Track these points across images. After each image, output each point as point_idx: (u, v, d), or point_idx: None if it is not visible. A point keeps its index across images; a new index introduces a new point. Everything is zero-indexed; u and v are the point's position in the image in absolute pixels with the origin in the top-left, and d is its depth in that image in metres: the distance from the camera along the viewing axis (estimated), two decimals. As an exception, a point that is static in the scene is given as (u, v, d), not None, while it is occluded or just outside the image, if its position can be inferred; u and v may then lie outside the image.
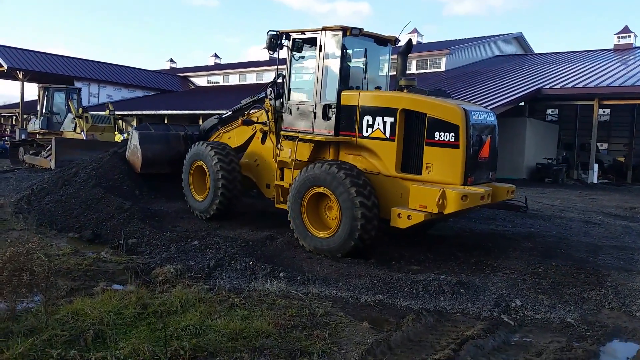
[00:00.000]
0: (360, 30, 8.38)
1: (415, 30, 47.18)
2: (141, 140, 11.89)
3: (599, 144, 34.58)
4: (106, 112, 19.83)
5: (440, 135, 7.25)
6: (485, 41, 42.28)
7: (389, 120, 7.74)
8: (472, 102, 23.39)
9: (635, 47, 37.05)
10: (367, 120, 7.99)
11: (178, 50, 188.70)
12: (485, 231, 10.34)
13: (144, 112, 39.06)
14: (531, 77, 29.16)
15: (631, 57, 33.75)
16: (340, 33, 8.21)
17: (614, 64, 31.14)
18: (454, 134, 7.13)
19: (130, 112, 37.57)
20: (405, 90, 8.14)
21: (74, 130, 19.15)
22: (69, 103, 19.73)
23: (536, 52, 45.35)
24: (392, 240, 8.90)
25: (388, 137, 7.75)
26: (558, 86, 25.02)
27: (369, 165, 8.05)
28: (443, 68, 37.65)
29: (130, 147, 12.29)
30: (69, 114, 19.68)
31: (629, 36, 37.31)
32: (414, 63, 38.51)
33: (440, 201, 6.83)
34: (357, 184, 7.39)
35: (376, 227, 7.56)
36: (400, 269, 7.36)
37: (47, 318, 4.55)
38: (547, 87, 25.15)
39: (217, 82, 53.05)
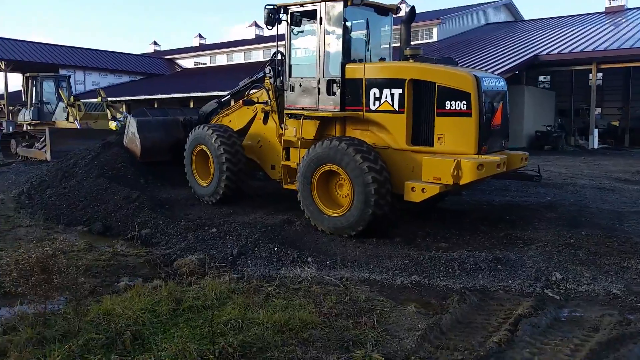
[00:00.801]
0: None
1: (403, 1, 46.54)
2: (139, 128, 11.50)
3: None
4: (98, 99, 19.27)
5: (451, 104, 6.99)
6: (475, 9, 41.77)
7: (397, 91, 7.46)
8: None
9: (627, 9, 36.71)
10: (374, 93, 7.71)
11: (161, 33, 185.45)
12: (503, 203, 10.13)
13: (133, 98, 38.37)
14: (525, 44, 28.80)
15: (623, 19, 33.46)
16: (341, 3, 7.89)
17: (607, 27, 30.82)
18: (465, 102, 6.88)
19: (118, 98, 36.78)
20: (411, 60, 7.83)
21: (67, 119, 18.60)
22: (60, 91, 19.13)
23: (526, 18, 44.91)
24: (411, 217, 8.69)
25: (397, 109, 7.49)
26: (555, 52, 24.73)
27: (378, 139, 7.80)
28: (435, 38, 37.19)
29: (128, 135, 11.92)
30: (60, 103, 19.10)
31: (620, -2, 36.91)
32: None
33: (455, 172, 6.61)
34: (368, 159, 7.17)
35: (389, 203, 7.32)
36: (428, 247, 7.14)
37: (79, 321, 4.27)
38: (544, 53, 24.86)
39: (204, 64, 52.12)
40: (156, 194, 10.30)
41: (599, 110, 34.99)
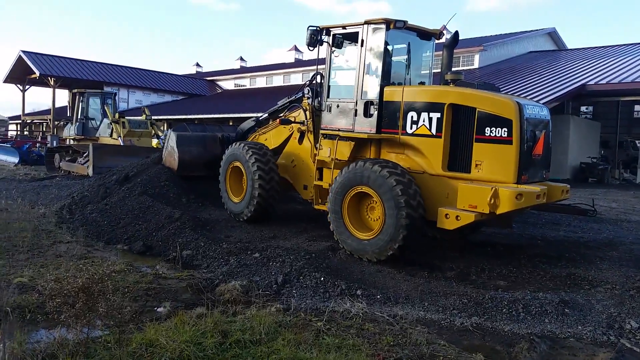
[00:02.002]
0: (405, 22, 7.99)
1: (444, 28, 46.24)
2: (179, 142, 11.62)
3: (636, 141, 33.32)
4: (142, 117, 19.47)
5: (491, 131, 6.79)
6: (517, 37, 41.12)
7: (435, 115, 7.33)
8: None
9: (678, 40, 35.50)
10: (412, 117, 7.61)
11: (203, 54, 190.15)
12: (558, 238, 9.56)
13: (174, 117, 38.93)
14: (571, 73, 28.05)
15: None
16: (384, 26, 7.87)
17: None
18: (506, 129, 6.67)
19: (160, 117, 37.37)
20: (452, 84, 7.72)
21: (111, 135, 18.82)
22: (105, 108, 19.41)
23: (569, 47, 44.00)
24: (463, 251, 8.25)
25: (434, 133, 7.33)
26: (603, 81, 23.91)
27: (413, 163, 7.65)
28: (476, 65, 36.67)
29: (167, 148, 12.03)
30: (105, 120, 19.37)
31: (671, 28, 35.73)
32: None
33: (493, 200, 6.34)
34: (402, 183, 7.01)
35: (421, 229, 7.22)
36: (485, 284, 6.68)
37: (121, 352, 3.99)
38: (592, 82, 24.07)
39: (243, 85, 52.80)
40: (198, 213, 10.13)
41: (642, 142, 33.73)
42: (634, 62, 28.87)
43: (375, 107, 7.93)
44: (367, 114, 8.02)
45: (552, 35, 43.94)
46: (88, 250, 8.11)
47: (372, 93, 8.04)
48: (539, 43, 43.12)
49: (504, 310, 5.63)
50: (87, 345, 4.09)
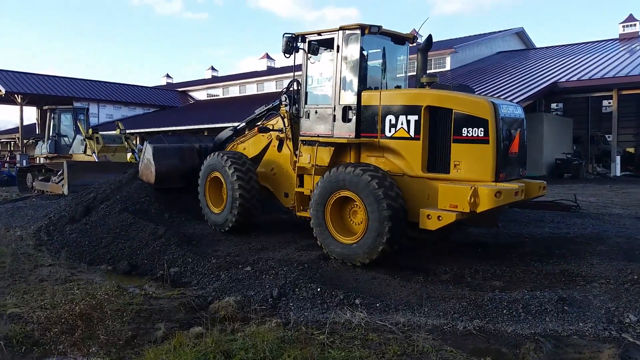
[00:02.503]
0: (379, 27, 8.06)
1: (414, 31, 46.70)
2: (155, 154, 11.36)
3: (606, 136, 34.11)
4: (116, 132, 19.07)
5: (468, 131, 6.90)
6: (487, 38, 41.78)
7: (413, 118, 7.41)
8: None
9: (641, 35, 36.54)
10: (390, 120, 7.67)
11: (173, 65, 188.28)
12: (545, 235, 9.61)
13: (146, 130, 38.35)
14: (542, 72, 28.58)
15: (638, 46, 33.22)
16: (359, 32, 7.91)
17: (623, 54, 30.60)
18: (483, 129, 6.79)
19: (132, 131, 36.74)
20: (427, 87, 7.80)
21: (84, 152, 18.36)
22: (78, 124, 18.94)
23: (538, 46, 44.88)
24: (453, 252, 8.23)
25: (412, 136, 7.42)
26: (574, 78, 24.42)
27: (393, 166, 7.71)
28: (448, 67, 37.08)
29: (143, 161, 11.76)
30: (78, 136, 18.88)
31: (634, 24, 36.80)
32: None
33: (473, 199, 6.45)
34: (384, 186, 7.06)
35: (404, 230, 7.27)
36: (481, 286, 6.65)
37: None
38: (563, 80, 24.55)
39: (216, 95, 52.37)
40: (182, 229, 9.89)
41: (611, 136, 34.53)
42: (602, 58, 29.57)
43: (354, 111, 7.98)
44: (345, 119, 8.06)
45: (521, 35, 44.77)
46: (71, 272, 7.83)
47: (350, 98, 8.08)
48: (508, 43, 43.88)
49: (505, 311, 5.59)
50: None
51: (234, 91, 50.65)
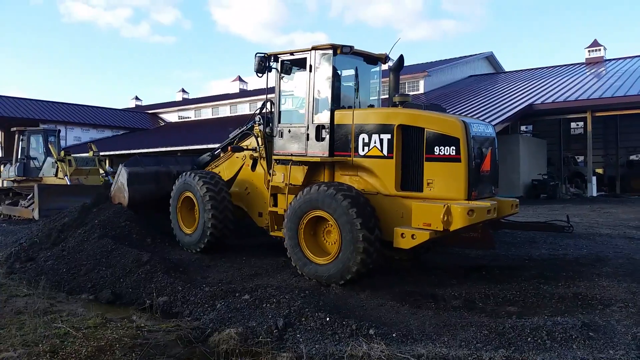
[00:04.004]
0: (351, 47, 8.08)
1: (389, 55, 47.17)
2: (130, 179, 10.97)
3: (577, 157, 34.84)
4: (90, 154, 18.33)
5: (440, 150, 6.97)
6: (458, 62, 42.47)
7: (385, 137, 7.46)
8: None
9: (606, 60, 37.72)
10: (363, 139, 7.70)
11: (141, 88, 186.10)
12: (544, 257, 9.43)
13: (116, 152, 37.33)
14: (515, 94, 29.04)
15: (603, 70, 34.26)
16: (331, 51, 7.97)
17: (590, 77, 31.42)
18: (454, 147, 6.85)
19: (102, 153, 35.69)
20: (400, 107, 7.84)
21: (56, 175, 17.54)
22: (49, 146, 18.13)
23: (506, 70, 45.86)
24: (458, 276, 7.92)
25: (386, 154, 7.45)
26: (549, 100, 24.82)
27: (367, 185, 7.73)
28: (422, 90, 37.43)
29: (117, 183, 11.31)
30: (49, 158, 18.07)
31: (599, 49, 37.99)
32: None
33: (446, 217, 6.49)
34: (357, 205, 7.05)
35: (378, 250, 7.20)
36: (496, 312, 6.33)
37: None
38: (539, 102, 24.93)
39: (188, 117, 51.69)
40: (167, 254, 9.34)
41: (581, 158, 35.26)
42: (572, 81, 30.27)
43: (327, 130, 7.96)
44: (319, 137, 8.03)
45: (490, 59, 45.72)
46: (50, 303, 7.17)
47: (323, 117, 8.07)
48: (479, 67, 44.72)
49: (529, 339, 5.26)
50: None
51: (206, 113, 50.10)
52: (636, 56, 36.70)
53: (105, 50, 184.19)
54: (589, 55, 38.13)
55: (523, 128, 37.36)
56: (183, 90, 59.14)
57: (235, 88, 54.05)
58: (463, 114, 25.03)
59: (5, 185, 20.52)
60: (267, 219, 8.80)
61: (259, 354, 5.14)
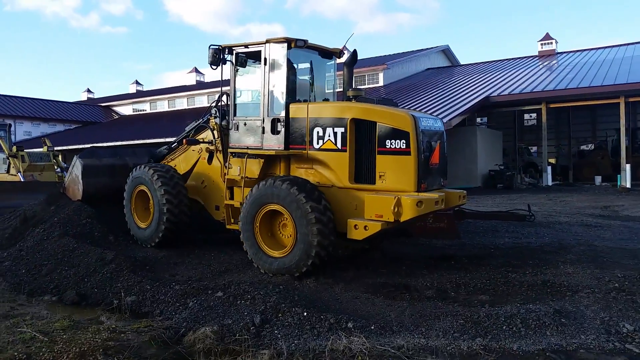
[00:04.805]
0: (305, 41, 8.18)
1: (345, 48, 47.28)
2: (84, 172, 10.72)
3: (530, 147, 35.91)
4: (44, 149, 17.59)
5: (391, 143, 7.16)
6: (416, 55, 43.01)
7: (339, 130, 7.61)
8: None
9: (557, 53, 38.95)
10: (318, 132, 7.82)
11: (93, 80, 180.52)
12: (509, 245, 9.65)
13: (70, 147, 36.06)
14: (472, 86, 29.64)
15: (555, 62, 35.38)
16: (285, 45, 8.05)
17: (542, 70, 32.38)
18: (404, 141, 7.05)
19: (55, 148, 34.43)
20: (353, 100, 7.99)
21: (7, 171, 16.74)
22: (0, 141, 17.31)
23: (462, 63, 46.76)
24: (427, 266, 8.02)
25: (339, 147, 7.60)
26: (506, 92, 25.43)
27: (322, 178, 7.84)
28: (381, 83, 37.74)
29: (71, 175, 11.07)
30: (0, 154, 17.28)
31: (551, 42, 39.17)
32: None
33: (396, 209, 6.73)
34: (311, 199, 7.17)
35: (333, 242, 7.36)
36: (469, 301, 6.44)
37: None
38: (495, 94, 25.50)
39: (143, 110, 50.43)
40: (131, 252, 9.06)
41: (534, 148, 36.39)
42: (526, 74, 31.13)
43: (282, 124, 8.05)
44: (274, 131, 8.11)
45: (446, 52, 46.51)
46: (11, 306, 6.84)
47: (278, 110, 8.16)
48: (435, 60, 45.42)
49: (504, 327, 5.36)
50: None
51: (162, 106, 49.01)
52: (586, 49, 38.06)
53: (53, 42, 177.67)
54: (542, 48, 39.28)
55: (479, 120, 38.29)
56: (137, 82, 57.70)
57: (192, 80, 53.13)
58: (423, 107, 25.36)
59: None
60: (224, 212, 8.81)
61: (237, 352, 5.05)
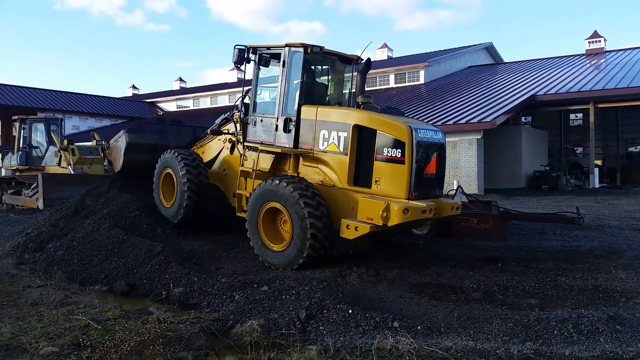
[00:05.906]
0: (321, 48, 8.55)
1: (385, 45, 47.02)
2: (127, 148, 11.50)
3: (575, 148, 34.86)
4: (92, 143, 18.15)
5: (388, 151, 7.45)
6: (458, 52, 42.39)
7: (342, 135, 7.95)
8: (469, 113, 22.82)
9: (606, 51, 37.68)
10: (324, 134, 8.18)
11: (138, 77, 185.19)
12: (557, 248, 9.42)
13: (116, 142, 37.09)
14: (516, 85, 28.97)
15: (603, 61, 34.21)
16: (302, 50, 8.46)
17: (590, 69, 31.37)
18: (400, 150, 7.33)
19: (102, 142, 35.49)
20: (361, 107, 8.31)
21: (59, 164, 17.35)
22: (52, 135, 17.93)
23: (505, 61, 45.77)
24: (472, 267, 7.91)
25: (341, 151, 7.95)
26: (552, 91, 24.76)
27: (326, 177, 8.21)
28: (422, 81, 37.33)
29: (116, 142, 11.89)
30: (52, 147, 17.88)
31: (599, 40, 37.93)
32: (392, 77, 38.06)
33: (385, 214, 7.04)
34: (305, 195, 7.56)
35: (328, 237, 7.66)
36: (518, 304, 6.31)
37: None
38: (541, 93, 24.86)
39: (187, 107, 51.41)
40: (178, 244, 9.27)
41: (580, 149, 35.33)
42: (573, 73, 30.20)
43: (294, 123, 8.45)
44: (286, 129, 8.55)
45: (490, 49, 45.62)
46: (65, 294, 7.12)
47: (291, 110, 8.56)
48: (478, 57, 44.61)
49: (555, 332, 5.23)
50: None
51: (204, 102, 49.88)
52: (636, 47, 36.67)
53: (100, 39, 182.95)
54: (589, 46, 38.10)
55: (523, 119, 37.41)
56: (180, 79, 58.75)
57: (233, 77, 53.80)
58: (465, 105, 24.95)
59: (6, 174, 20.35)
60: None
61: (285, 347, 5.10)
